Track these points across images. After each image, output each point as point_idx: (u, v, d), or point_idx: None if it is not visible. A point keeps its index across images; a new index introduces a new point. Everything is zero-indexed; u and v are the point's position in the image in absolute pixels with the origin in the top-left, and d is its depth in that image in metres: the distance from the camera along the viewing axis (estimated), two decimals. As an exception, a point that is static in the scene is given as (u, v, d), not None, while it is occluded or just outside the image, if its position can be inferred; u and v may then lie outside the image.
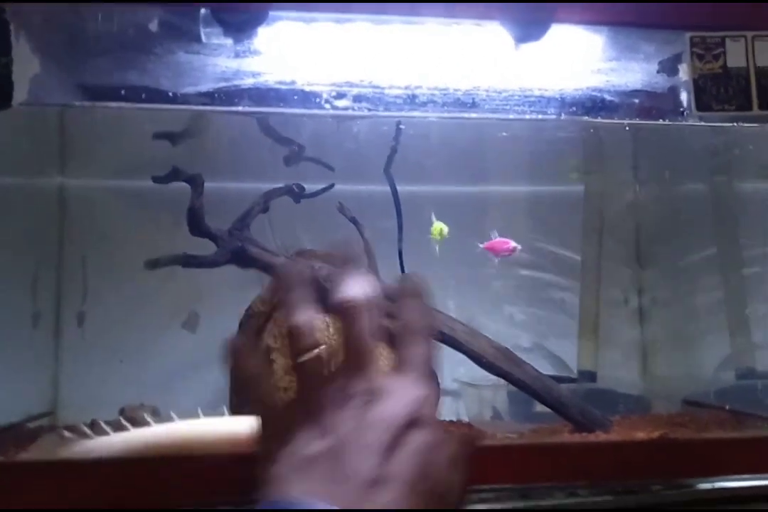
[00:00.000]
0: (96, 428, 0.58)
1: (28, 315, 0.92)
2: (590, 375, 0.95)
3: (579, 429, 0.70)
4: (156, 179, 0.80)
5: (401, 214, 0.91)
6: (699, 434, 0.70)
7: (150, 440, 0.56)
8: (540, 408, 0.88)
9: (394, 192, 0.91)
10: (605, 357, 0.97)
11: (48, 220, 0.96)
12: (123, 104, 0.59)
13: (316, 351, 0.42)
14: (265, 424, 0.43)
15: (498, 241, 0.88)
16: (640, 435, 0.66)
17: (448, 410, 0.95)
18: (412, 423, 0.39)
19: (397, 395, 0.40)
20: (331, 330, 0.76)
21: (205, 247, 0.79)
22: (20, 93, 0.57)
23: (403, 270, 0.92)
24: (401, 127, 0.77)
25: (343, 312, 0.42)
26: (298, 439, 0.39)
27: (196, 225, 0.78)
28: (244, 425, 0.61)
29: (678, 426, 0.75)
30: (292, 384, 0.71)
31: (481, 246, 0.88)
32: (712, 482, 0.63)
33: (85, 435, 0.58)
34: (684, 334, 0.98)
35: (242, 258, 0.78)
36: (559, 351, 1.01)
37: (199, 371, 0.97)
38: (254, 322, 0.85)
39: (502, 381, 0.93)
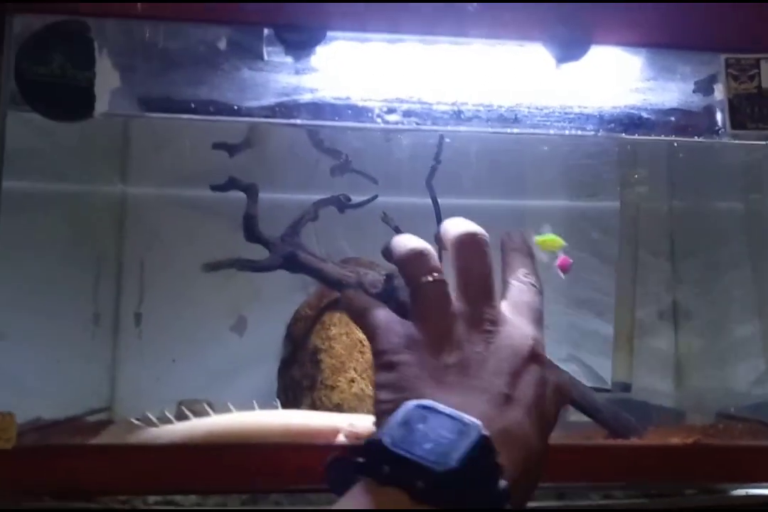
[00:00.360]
0: (162, 418, 0.63)
1: (90, 314, 0.98)
2: (624, 387, 0.97)
3: (613, 435, 0.72)
4: (214, 187, 0.85)
5: (441, 222, 0.94)
6: (733, 441, 0.71)
7: (211, 429, 0.60)
8: (572, 417, 0.91)
9: (435, 203, 0.95)
10: (640, 370, 0.99)
11: (109, 226, 1.02)
12: (193, 116, 0.64)
13: (437, 274, 0.43)
14: (387, 337, 0.43)
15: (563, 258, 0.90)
16: (675, 440, 0.68)
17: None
18: (532, 357, 0.41)
19: (522, 329, 0.42)
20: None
21: (257, 254, 0.84)
22: (101, 104, 0.62)
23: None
24: (445, 140, 0.81)
25: (464, 245, 0.44)
26: (428, 349, 0.41)
27: (251, 231, 0.82)
28: (296, 417, 0.66)
29: (712, 436, 0.76)
30: (338, 383, 0.75)
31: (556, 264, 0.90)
32: (745, 488, 0.64)
33: (152, 423, 0.62)
34: (719, 348, 0.99)
35: (293, 264, 0.82)
36: (593, 364, 1.02)
37: (245, 372, 1.01)
38: (301, 325, 0.89)
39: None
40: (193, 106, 0.64)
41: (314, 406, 0.75)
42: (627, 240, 0.99)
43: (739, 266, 0.96)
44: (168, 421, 0.61)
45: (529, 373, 0.41)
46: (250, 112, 0.65)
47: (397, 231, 0.88)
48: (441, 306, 0.43)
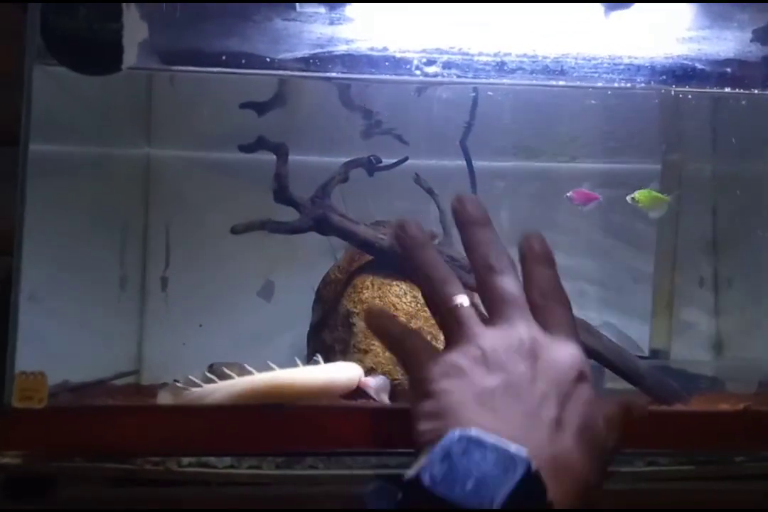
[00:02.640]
0: (205, 378, 0.62)
1: (116, 278, 0.97)
2: (662, 355, 0.95)
3: (657, 401, 0.70)
4: (242, 148, 0.83)
5: (476, 186, 0.92)
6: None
7: (256, 387, 0.59)
8: (610, 384, 0.89)
9: (469, 164, 0.92)
10: (678, 337, 0.96)
11: (135, 189, 1.00)
12: (225, 70, 0.61)
13: (467, 300, 0.43)
14: (425, 364, 0.42)
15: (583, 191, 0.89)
16: (724, 406, 0.66)
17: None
18: (580, 377, 0.40)
19: (564, 347, 0.41)
20: (408, 297, 0.78)
21: (286, 218, 0.82)
22: (129, 57, 0.60)
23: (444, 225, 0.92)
24: (488, 93, 0.77)
25: (489, 267, 0.44)
26: (469, 374, 0.39)
27: (281, 192, 0.80)
28: (341, 372, 0.64)
29: (758, 403, 0.74)
30: (371, 347, 0.74)
31: (568, 195, 0.88)
32: (796, 456, 0.63)
33: (196, 385, 0.61)
34: (761, 316, 0.96)
35: (324, 226, 0.80)
36: (630, 331, 1.00)
37: (272, 337, 1.00)
38: (331, 289, 0.88)
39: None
40: (224, 58, 0.61)
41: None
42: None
43: (785, 231, 0.93)
44: (211, 381, 0.60)
45: (578, 394, 0.39)
46: (283, 65, 0.62)
47: (430, 192, 0.86)
48: (476, 328, 0.41)
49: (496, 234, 0.46)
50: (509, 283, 0.42)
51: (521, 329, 0.41)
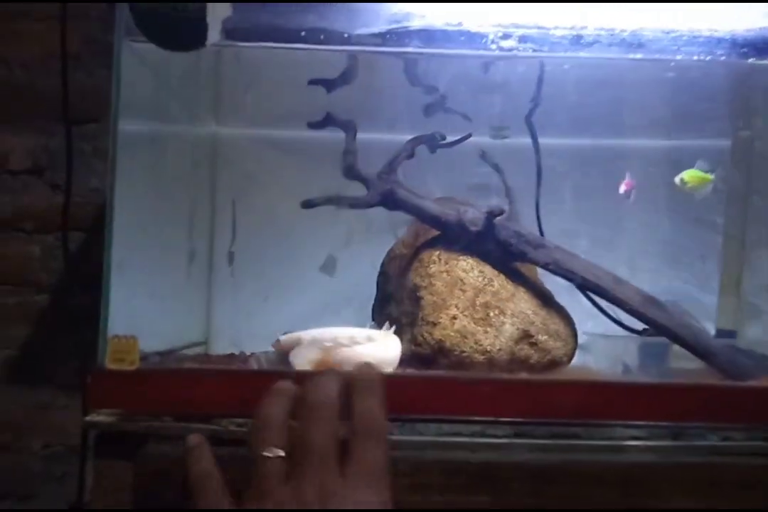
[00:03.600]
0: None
1: (185, 252, 1.01)
2: (729, 334, 0.94)
3: (729, 378, 0.70)
4: (311, 125, 0.85)
5: (541, 165, 0.93)
6: None
7: None
8: (678, 363, 0.89)
9: (535, 141, 0.93)
10: (746, 317, 0.96)
11: (203, 166, 1.04)
12: (303, 46, 0.63)
13: (280, 451, 0.42)
14: None
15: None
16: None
17: (575, 364, 0.96)
18: None
19: (361, 500, 0.40)
20: (475, 272, 0.80)
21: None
22: (213, 34, 0.62)
23: (540, 224, 0.93)
24: (564, 67, 0.77)
25: (305, 416, 0.43)
26: None
27: (350, 168, 0.82)
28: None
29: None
30: (440, 320, 0.76)
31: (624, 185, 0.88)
32: None
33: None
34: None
35: (391, 201, 0.82)
36: (697, 311, 1.00)
37: (335, 311, 1.03)
38: (396, 264, 0.90)
39: (633, 334, 0.96)
40: (303, 34, 0.63)
41: (415, 342, 0.76)
42: (737, 181, 0.95)
43: None
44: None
45: None
46: (359, 40, 0.64)
47: (496, 169, 0.87)
48: (271, 484, 0.41)
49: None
50: (315, 432, 0.42)
51: (311, 485, 0.40)
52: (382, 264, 0.92)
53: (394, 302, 0.85)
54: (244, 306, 1.04)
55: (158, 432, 0.61)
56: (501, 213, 0.81)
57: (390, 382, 0.61)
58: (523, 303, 0.80)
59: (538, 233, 0.88)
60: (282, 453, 0.42)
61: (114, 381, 0.60)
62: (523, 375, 0.73)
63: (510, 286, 0.80)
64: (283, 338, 0.73)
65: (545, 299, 0.82)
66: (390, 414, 0.59)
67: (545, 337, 0.78)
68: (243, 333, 1.02)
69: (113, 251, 0.67)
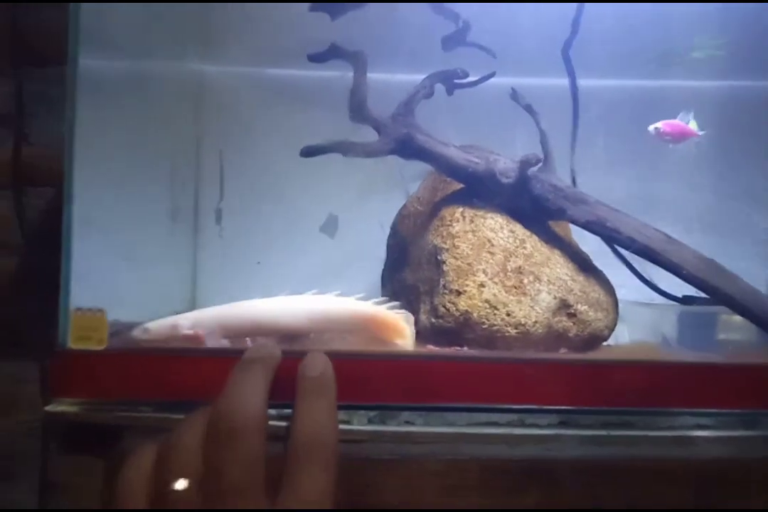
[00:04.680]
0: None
1: (167, 209, 0.90)
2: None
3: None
4: (312, 57, 0.73)
5: (578, 104, 0.81)
6: None
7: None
8: (725, 334, 0.80)
9: (572, 78, 0.81)
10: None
11: (186, 110, 0.92)
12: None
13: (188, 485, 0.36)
14: None
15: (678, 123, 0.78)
16: None
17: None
18: None
19: None
20: (505, 231, 0.70)
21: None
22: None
23: (573, 175, 0.83)
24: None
25: (218, 442, 0.36)
26: None
27: (358, 109, 0.71)
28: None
29: None
30: (466, 288, 0.65)
31: (656, 127, 0.77)
32: None
33: None
34: None
35: (408, 147, 0.71)
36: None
37: (339, 276, 0.93)
38: (410, 223, 0.79)
39: (670, 302, 0.86)
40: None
41: (436, 313, 0.66)
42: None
43: None
44: None
45: None
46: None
47: (529, 110, 0.75)
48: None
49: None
50: (229, 463, 0.36)
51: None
52: (394, 224, 0.81)
53: (408, 267, 0.75)
54: (235, 272, 0.93)
55: (135, 425, 0.51)
56: (537, 162, 0.70)
57: (408, 364, 0.52)
58: (560, 268, 0.70)
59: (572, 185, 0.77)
60: (189, 487, 0.36)
61: (79, 364, 0.50)
62: (569, 355, 0.63)
63: (544, 248, 0.70)
64: (152, 326, 0.58)
65: (583, 263, 0.72)
66: (410, 401, 0.50)
67: (585, 307, 0.69)
68: (234, 300, 0.91)
69: (78, 207, 0.56)
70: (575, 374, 0.54)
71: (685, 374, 0.55)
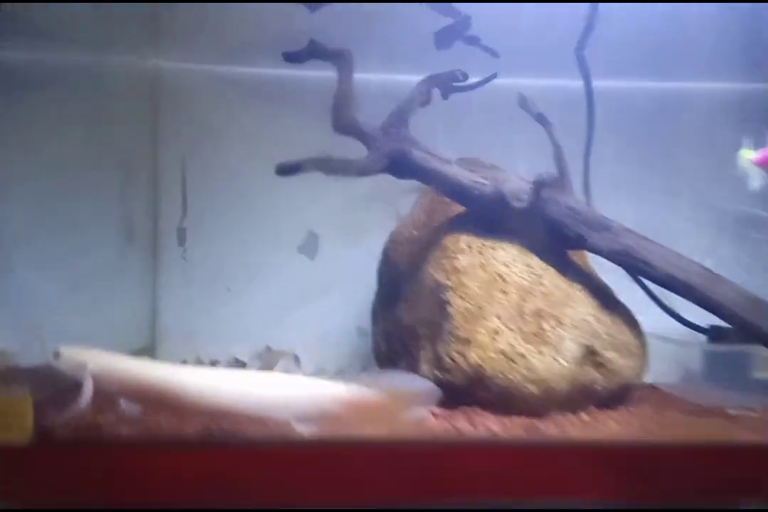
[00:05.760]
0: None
1: (120, 230, 0.79)
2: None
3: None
4: (288, 56, 0.63)
5: (593, 106, 0.72)
6: None
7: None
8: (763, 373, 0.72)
9: (587, 78, 0.72)
10: None
11: (140, 111, 0.81)
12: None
13: None
14: None
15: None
16: None
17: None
18: None
19: None
20: (519, 265, 0.60)
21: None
22: None
23: (587, 184, 0.74)
24: None
25: None
26: None
27: (343, 119, 0.61)
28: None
29: None
30: (476, 335, 0.56)
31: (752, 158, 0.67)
32: None
33: None
34: None
35: (402, 165, 0.62)
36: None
37: (316, 302, 0.83)
38: (404, 250, 0.70)
39: (697, 335, 0.78)
40: None
41: (440, 365, 0.57)
42: None
43: None
44: None
45: None
46: None
47: (541, 121, 0.66)
48: None
49: None
50: None
51: None
52: (385, 250, 0.72)
53: (404, 303, 0.65)
54: (201, 299, 0.82)
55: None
56: (552, 182, 0.61)
57: (412, 449, 0.42)
58: (582, 307, 0.61)
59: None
60: None
61: (-5, 461, 0.39)
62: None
63: (564, 284, 0.61)
64: (64, 352, 0.50)
65: (606, 298, 0.64)
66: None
67: (613, 354, 0.60)
68: (199, 333, 0.81)
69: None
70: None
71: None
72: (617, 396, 0.60)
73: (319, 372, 0.79)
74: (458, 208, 0.65)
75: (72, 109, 0.72)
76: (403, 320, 0.64)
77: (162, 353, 0.80)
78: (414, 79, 0.67)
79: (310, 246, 0.85)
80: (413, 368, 0.60)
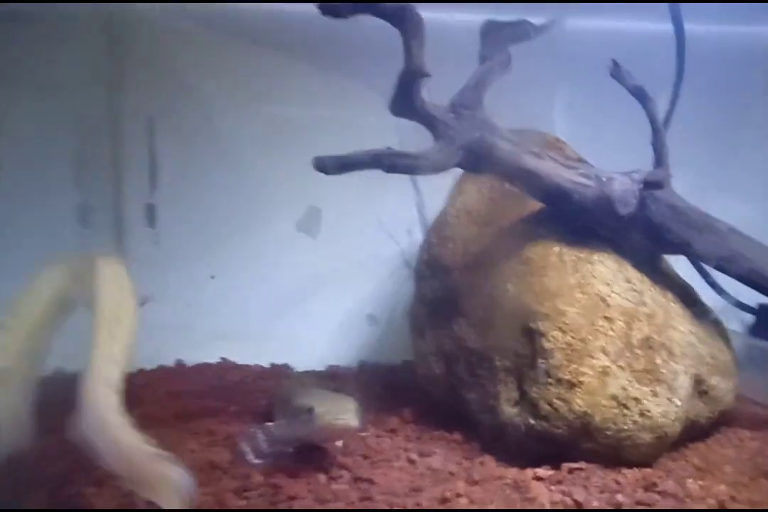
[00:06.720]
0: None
1: (71, 208, 0.63)
2: None
3: None
4: (329, 9, 0.47)
5: (684, 56, 0.62)
6: None
7: None
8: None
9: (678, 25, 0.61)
10: None
11: (94, 60, 0.63)
12: None
13: None
14: None
15: None
16: None
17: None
18: None
19: None
20: (621, 283, 0.51)
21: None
22: None
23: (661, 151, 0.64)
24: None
25: None
26: None
27: (406, 100, 0.47)
28: None
29: None
30: (581, 377, 0.47)
31: None
32: None
33: None
34: None
35: (482, 158, 0.49)
36: None
37: (318, 291, 0.72)
38: (456, 249, 0.58)
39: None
40: None
41: (535, 412, 0.48)
42: None
43: None
44: None
45: None
46: None
47: (639, 94, 0.54)
48: None
49: None
50: None
51: None
52: (429, 245, 0.60)
53: (464, 319, 0.55)
54: (179, 291, 0.69)
55: None
56: (664, 182, 0.51)
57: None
58: (683, 325, 0.54)
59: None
60: None
61: None
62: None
63: (659, 296, 0.54)
64: None
65: (695, 304, 0.56)
66: None
67: (717, 379, 0.54)
68: (177, 334, 0.68)
69: None
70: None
71: None
72: (717, 427, 0.54)
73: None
74: (531, 201, 0.54)
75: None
76: (467, 341, 0.54)
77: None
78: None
79: (311, 223, 0.71)
80: (487, 405, 0.51)
